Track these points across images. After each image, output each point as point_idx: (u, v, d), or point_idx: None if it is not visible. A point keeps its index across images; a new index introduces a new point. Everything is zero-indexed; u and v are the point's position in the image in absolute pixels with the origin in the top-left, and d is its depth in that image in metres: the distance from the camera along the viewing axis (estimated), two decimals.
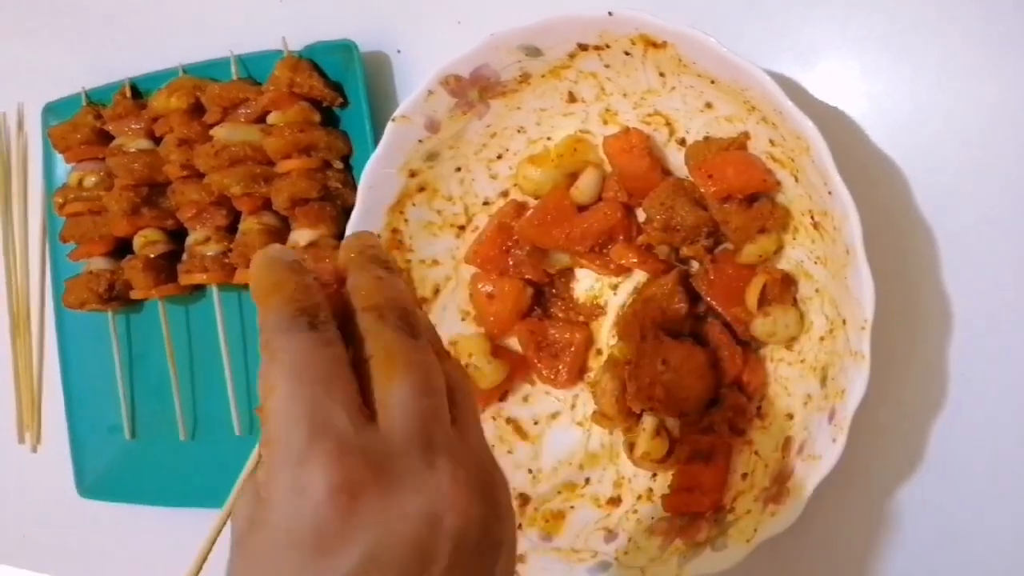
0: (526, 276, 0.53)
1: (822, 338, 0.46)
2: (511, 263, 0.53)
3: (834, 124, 0.48)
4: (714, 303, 0.49)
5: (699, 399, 0.48)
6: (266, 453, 0.28)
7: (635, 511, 0.50)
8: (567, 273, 0.55)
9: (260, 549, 0.27)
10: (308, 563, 0.26)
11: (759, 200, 0.47)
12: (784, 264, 0.48)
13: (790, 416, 0.47)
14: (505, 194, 0.55)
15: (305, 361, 0.28)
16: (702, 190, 0.48)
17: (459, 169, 0.54)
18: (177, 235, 0.63)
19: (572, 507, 0.51)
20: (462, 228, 0.55)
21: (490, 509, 0.29)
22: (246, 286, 0.61)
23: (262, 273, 0.31)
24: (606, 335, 0.54)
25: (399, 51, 0.60)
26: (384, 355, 0.29)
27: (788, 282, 0.47)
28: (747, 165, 0.46)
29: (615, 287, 0.54)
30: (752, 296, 0.47)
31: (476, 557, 0.29)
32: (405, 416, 0.28)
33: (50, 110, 0.68)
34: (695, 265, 0.50)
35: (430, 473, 0.28)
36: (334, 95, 0.58)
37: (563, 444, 0.54)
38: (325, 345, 0.29)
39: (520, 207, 0.54)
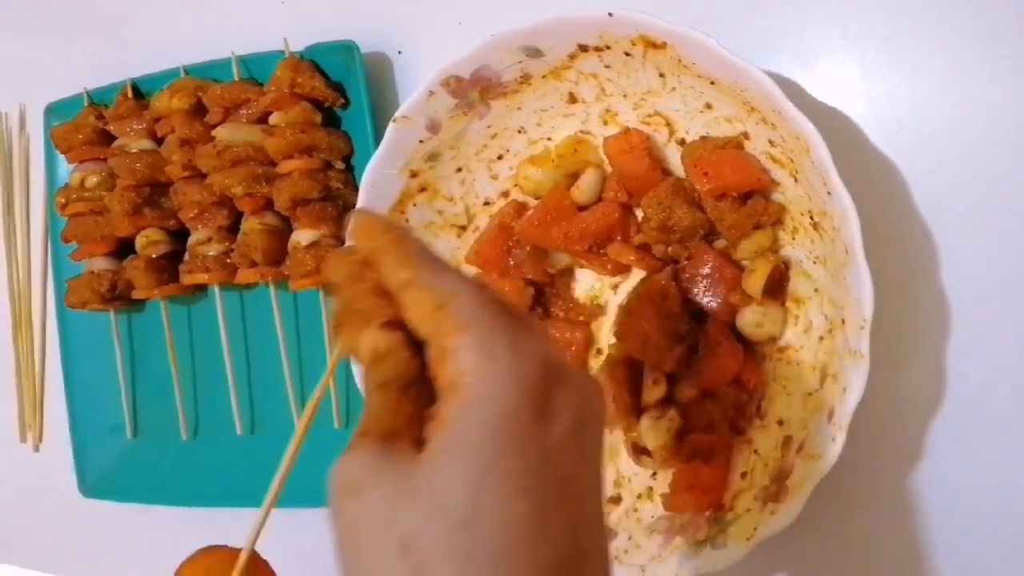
0: (527, 276, 0.53)
1: (821, 338, 0.46)
2: (512, 263, 0.53)
3: (833, 125, 0.48)
4: (699, 296, 0.49)
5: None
6: None
7: (635, 510, 0.51)
8: (567, 273, 0.55)
9: None
10: None
11: (753, 197, 0.47)
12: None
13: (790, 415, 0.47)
14: (506, 194, 0.55)
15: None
16: (697, 187, 0.48)
17: (460, 169, 0.54)
18: (179, 235, 0.63)
19: None
20: (463, 228, 0.55)
21: None
22: (247, 286, 0.61)
23: None
24: (606, 335, 0.54)
25: (400, 52, 0.60)
26: None
27: (784, 279, 0.47)
28: (743, 163, 0.46)
29: (615, 287, 0.54)
30: (757, 282, 0.47)
31: None
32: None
33: (52, 110, 0.68)
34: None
35: None
36: (335, 96, 0.58)
37: None
38: None
39: (521, 207, 0.54)
